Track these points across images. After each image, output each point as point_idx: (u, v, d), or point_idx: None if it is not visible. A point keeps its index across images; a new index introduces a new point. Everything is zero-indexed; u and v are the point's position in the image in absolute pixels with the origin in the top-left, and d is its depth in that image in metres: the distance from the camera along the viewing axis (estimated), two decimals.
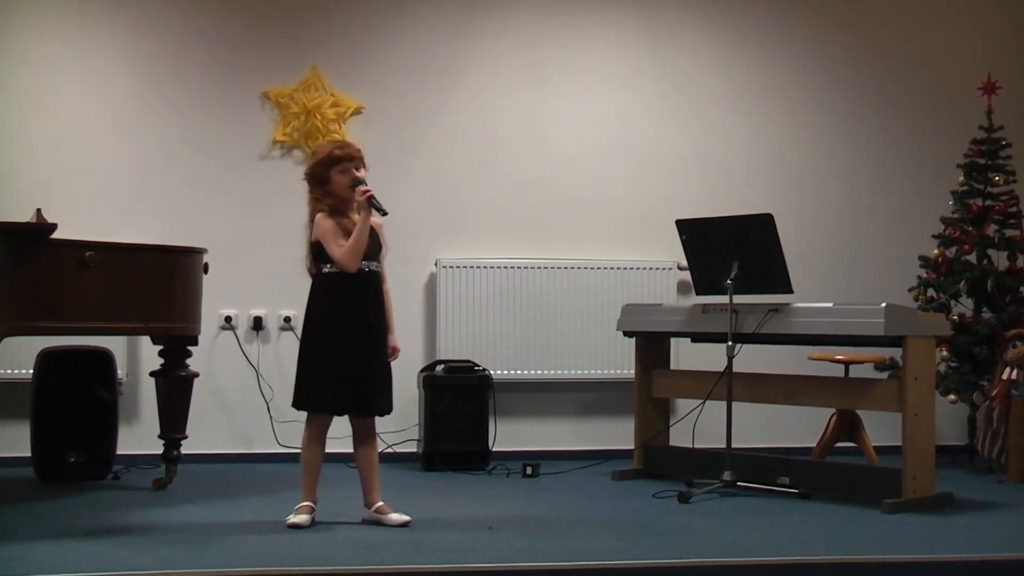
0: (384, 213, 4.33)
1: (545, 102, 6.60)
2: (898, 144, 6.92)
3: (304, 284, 6.09)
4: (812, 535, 4.28)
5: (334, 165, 4.38)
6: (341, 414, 4.46)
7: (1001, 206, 6.29)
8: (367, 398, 4.39)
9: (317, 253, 4.40)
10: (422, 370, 6.17)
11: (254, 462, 6.08)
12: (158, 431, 5.29)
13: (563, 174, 6.57)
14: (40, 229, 4.52)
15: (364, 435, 4.49)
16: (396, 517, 4.39)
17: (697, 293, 5.54)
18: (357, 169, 4.38)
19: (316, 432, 4.44)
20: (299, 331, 6.08)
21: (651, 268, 6.50)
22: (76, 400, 5.46)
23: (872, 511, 4.77)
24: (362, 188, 4.31)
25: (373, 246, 4.41)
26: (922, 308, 6.17)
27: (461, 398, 6.03)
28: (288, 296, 6.22)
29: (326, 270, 4.38)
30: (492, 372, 6.16)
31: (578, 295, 6.42)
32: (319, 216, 4.37)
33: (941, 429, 5.48)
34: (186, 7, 6.28)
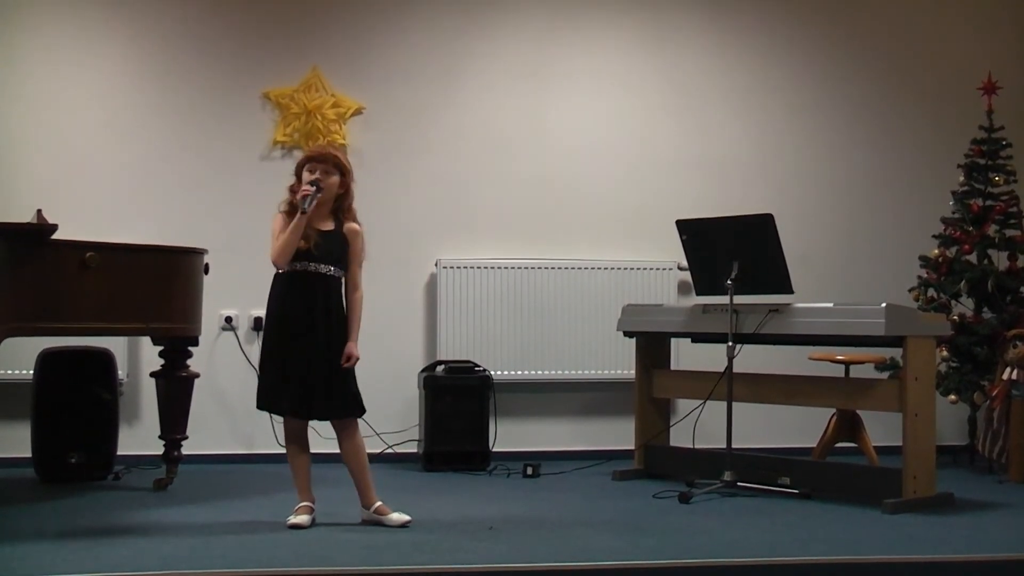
0: (304, 211, 4.30)
1: (545, 103, 6.60)
2: (898, 144, 6.92)
3: None
4: (812, 535, 4.28)
5: (304, 164, 4.46)
6: (286, 415, 4.47)
7: (1001, 206, 6.29)
8: (308, 402, 4.38)
9: None
10: (422, 370, 6.17)
11: (255, 463, 6.08)
12: (159, 432, 5.30)
13: (563, 174, 6.57)
14: (41, 230, 4.52)
15: (342, 435, 4.47)
16: (396, 517, 4.39)
17: (697, 293, 5.54)
18: (325, 172, 4.40)
19: (289, 432, 4.48)
20: None
21: (651, 268, 6.50)
22: (77, 401, 5.46)
23: (873, 511, 4.77)
24: (304, 187, 4.36)
25: (332, 250, 4.41)
26: (922, 308, 6.17)
27: (461, 398, 6.03)
28: None
29: (280, 270, 4.42)
30: (492, 372, 6.16)
31: (578, 295, 6.42)
32: (277, 214, 4.43)
33: (941, 429, 5.48)
34: (186, 8, 6.29)
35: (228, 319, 6.22)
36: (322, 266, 4.39)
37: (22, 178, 6.06)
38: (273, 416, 6.05)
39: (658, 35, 6.73)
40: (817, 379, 5.41)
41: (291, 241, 4.32)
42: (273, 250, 4.36)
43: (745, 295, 5.23)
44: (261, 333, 6.11)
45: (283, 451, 6.00)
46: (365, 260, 4.53)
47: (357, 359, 4.42)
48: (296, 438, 4.47)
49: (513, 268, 6.39)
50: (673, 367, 6.06)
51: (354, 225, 4.50)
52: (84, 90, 6.19)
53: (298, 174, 4.47)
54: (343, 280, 4.46)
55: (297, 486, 4.46)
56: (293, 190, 4.46)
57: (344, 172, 4.46)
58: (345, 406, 4.42)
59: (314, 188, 4.34)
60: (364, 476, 4.46)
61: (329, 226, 4.44)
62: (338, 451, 4.50)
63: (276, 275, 4.45)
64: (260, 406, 4.51)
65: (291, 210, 4.39)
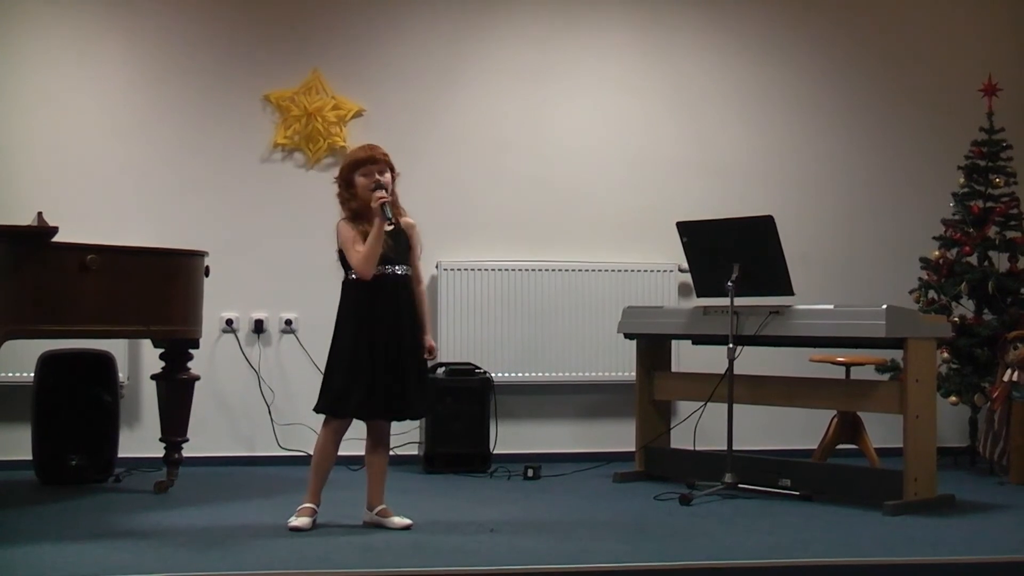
0: (391, 223, 4.29)
1: (546, 104, 6.60)
2: (899, 145, 6.92)
3: (305, 287, 6.15)
4: (813, 537, 4.28)
5: (358, 167, 4.39)
6: (371, 419, 4.44)
7: (1002, 208, 6.29)
8: (401, 403, 4.39)
9: (343, 260, 4.41)
10: None
11: (255, 465, 6.08)
12: (159, 434, 5.29)
13: (564, 176, 6.57)
14: (41, 232, 4.52)
15: (379, 440, 4.48)
16: (398, 520, 4.40)
17: (698, 295, 5.54)
18: (381, 173, 4.37)
19: (334, 436, 4.43)
20: (300, 334, 6.18)
21: (652, 270, 6.50)
22: (77, 403, 5.46)
23: (873, 513, 4.77)
24: (378, 194, 4.30)
25: (401, 249, 4.40)
26: (923, 310, 6.17)
27: (462, 400, 6.02)
28: (289, 299, 6.23)
29: (352, 276, 4.38)
30: (493, 374, 6.16)
31: (579, 297, 6.42)
32: (341, 223, 4.39)
33: (942, 431, 5.47)
34: (187, 10, 6.28)
35: (229, 321, 6.22)
36: (398, 267, 4.40)
37: (22, 181, 6.05)
38: (274, 419, 6.10)
39: (659, 37, 6.73)
40: (818, 381, 5.41)
41: (376, 251, 4.29)
42: (359, 262, 4.30)
43: (746, 297, 5.23)
44: (264, 336, 6.23)
45: (283, 453, 6.06)
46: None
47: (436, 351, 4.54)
48: (337, 441, 4.44)
49: (513, 270, 6.39)
50: (674, 369, 6.06)
51: (409, 219, 4.48)
52: (84, 92, 6.19)
53: (348, 180, 4.39)
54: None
55: (312, 488, 4.43)
56: (343, 198, 4.40)
57: (392, 168, 4.44)
58: (428, 404, 4.53)
59: (386, 193, 4.32)
60: (382, 478, 4.48)
61: (390, 225, 4.40)
62: (340, 454, 4.50)
63: (352, 282, 4.38)
64: (326, 410, 4.40)
65: (354, 217, 4.35)
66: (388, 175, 4.39)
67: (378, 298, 4.37)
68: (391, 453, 6.03)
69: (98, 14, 6.22)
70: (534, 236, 6.51)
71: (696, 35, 6.78)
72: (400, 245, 4.41)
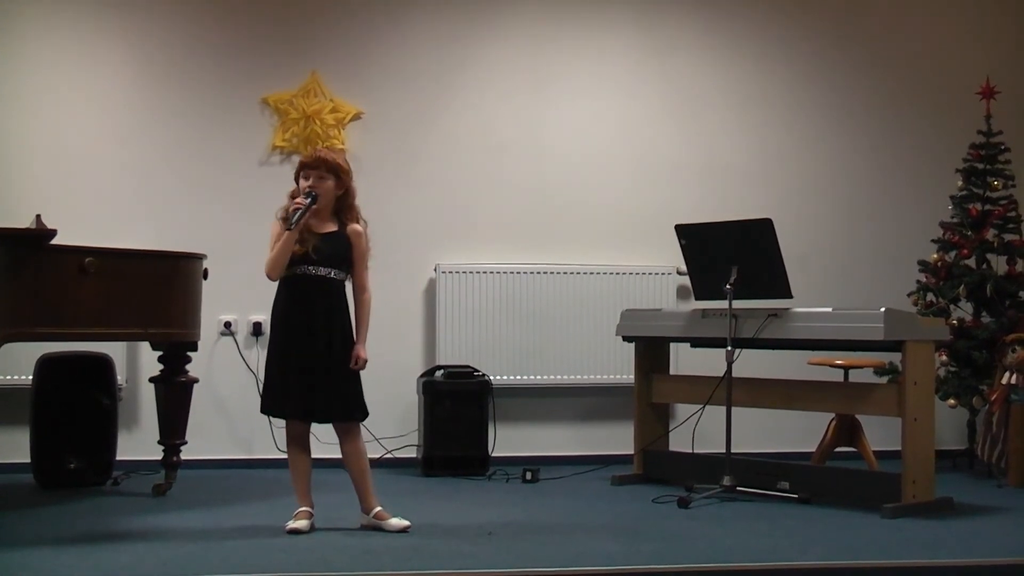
0: (289, 228, 4.29)
1: (544, 107, 6.60)
2: (897, 148, 6.92)
3: None
4: (812, 540, 4.28)
5: (299, 172, 4.46)
6: (288, 418, 4.44)
7: (1000, 210, 6.30)
8: (312, 404, 4.37)
9: None
10: (421, 375, 6.17)
11: (253, 467, 6.09)
12: (158, 437, 5.29)
13: (562, 179, 6.58)
14: (40, 235, 4.52)
15: (344, 439, 4.46)
16: (395, 522, 4.39)
17: (696, 298, 5.54)
18: (306, 178, 4.39)
19: (291, 436, 4.46)
20: None
21: (650, 273, 6.51)
22: (76, 406, 5.46)
23: (872, 516, 4.77)
24: (295, 202, 4.34)
25: (334, 253, 4.39)
26: (921, 312, 6.17)
27: (461, 403, 6.02)
28: None
29: (272, 281, 4.43)
30: (492, 377, 6.16)
31: (578, 300, 6.42)
32: (274, 221, 4.41)
33: (941, 434, 5.48)
34: (186, 13, 6.29)
35: (227, 324, 6.22)
36: (321, 269, 4.38)
37: (21, 183, 6.06)
38: (272, 421, 6.07)
39: (657, 40, 6.73)
40: (816, 384, 5.41)
41: (281, 255, 4.32)
42: (266, 263, 4.36)
43: (744, 299, 5.23)
44: (263, 338, 6.22)
45: (282, 456, 6.01)
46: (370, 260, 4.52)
47: (365, 361, 4.41)
48: (298, 442, 4.46)
49: (512, 273, 6.39)
50: (672, 372, 6.06)
51: (356, 226, 4.47)
52: (83, 95, 6.20)
53: (297, 181, 4.47)
54: (346, 282, 4.46)
55: (297, 491, 4.45)
56: (293, 196, 4.45)
57: (339, 173, 4.43)
58: (348, 409, 4.41)
59: (309, 200, 4.33)
60: (365, 481, 4.45)
61: (331, 228, 4.43)
62: (338, 456, 4.49)
63: (280, 281, 4.43)
64: (264, 410, 4.50)
65: (288, 216, 4.38)
66: (329, 182, 4.39)
67: (291, 298, 4.39)
68: (388, 455, 6.09)
69: (98, 16, 6.22)
70: (533, 239, 6.51)
71: (696, 37, 6.78)
72: (335, 249, 4.40)
